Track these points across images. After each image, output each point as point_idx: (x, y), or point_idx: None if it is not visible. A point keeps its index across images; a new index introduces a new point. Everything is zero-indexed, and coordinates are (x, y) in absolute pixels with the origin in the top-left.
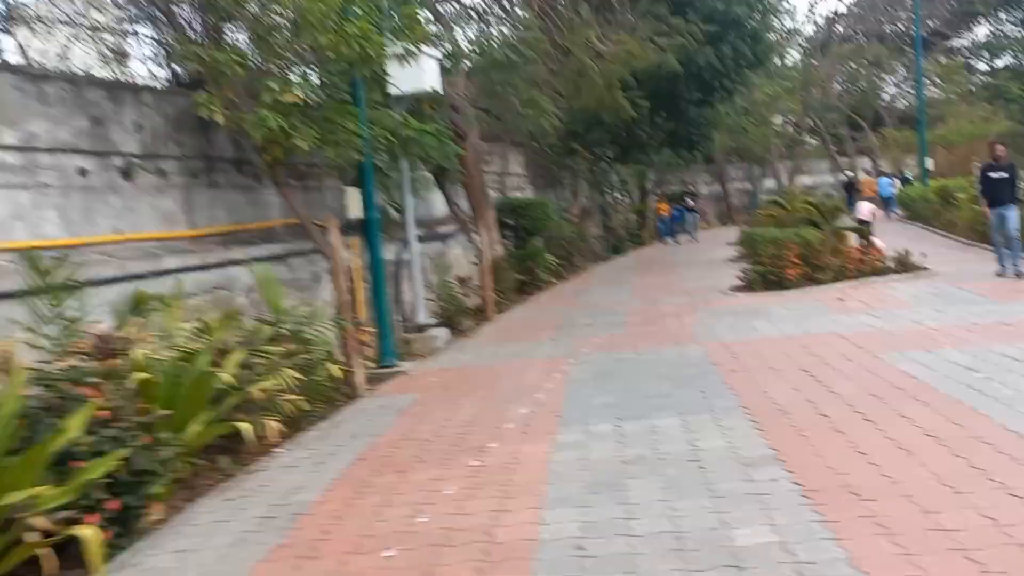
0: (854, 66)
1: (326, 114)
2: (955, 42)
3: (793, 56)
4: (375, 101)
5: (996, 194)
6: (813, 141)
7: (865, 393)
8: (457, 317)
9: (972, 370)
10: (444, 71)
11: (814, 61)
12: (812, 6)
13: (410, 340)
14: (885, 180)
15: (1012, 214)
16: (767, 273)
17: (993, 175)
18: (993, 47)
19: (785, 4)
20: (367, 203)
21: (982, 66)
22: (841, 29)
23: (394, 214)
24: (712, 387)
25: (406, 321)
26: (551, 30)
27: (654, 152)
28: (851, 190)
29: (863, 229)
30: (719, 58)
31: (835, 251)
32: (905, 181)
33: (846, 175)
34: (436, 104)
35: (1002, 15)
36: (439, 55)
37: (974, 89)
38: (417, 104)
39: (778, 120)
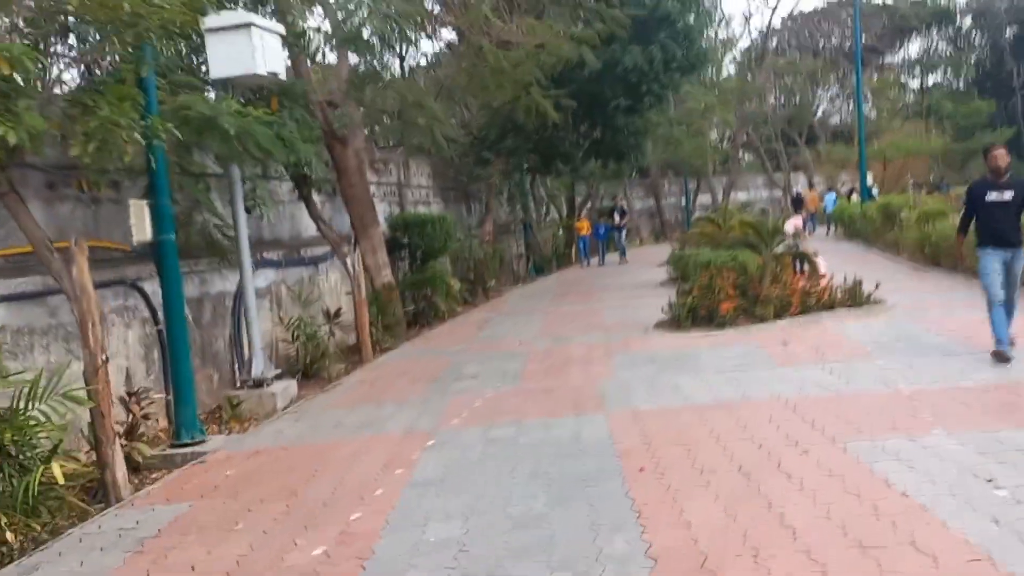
0: (789, 81)
1: (84, 97)
2: (888, 59)
3: (728, 68)
4: (177, 83)
5: (993, 226)
6: (748, 156)
7: (835, 527)
8: (320, 363)
9: (988, 480)
10: (297, 55)
11: (749, 75)
12: (747, 18)
13: (239, 400)
14: (831, 196)
15: (1020, 262)
16: (697, 306)
17: (990, 197)
18: (925, 64)
19: (720, 11)
20: (159, 220)
21: (914, 83)
22: (775, 43)
23: (218, 235)
24: (609, 505)
25: (244, 372)
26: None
27: (579, 162)
28: (799, 205)
29: (807, 254)
30: (648, 60)
31: (776, 280)
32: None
33: (796, 191)
34: (287, 96)
35: (934, 32)
36: (281, 30)
37: (907, 105)
38: (265, 96)
39: (713, 134)
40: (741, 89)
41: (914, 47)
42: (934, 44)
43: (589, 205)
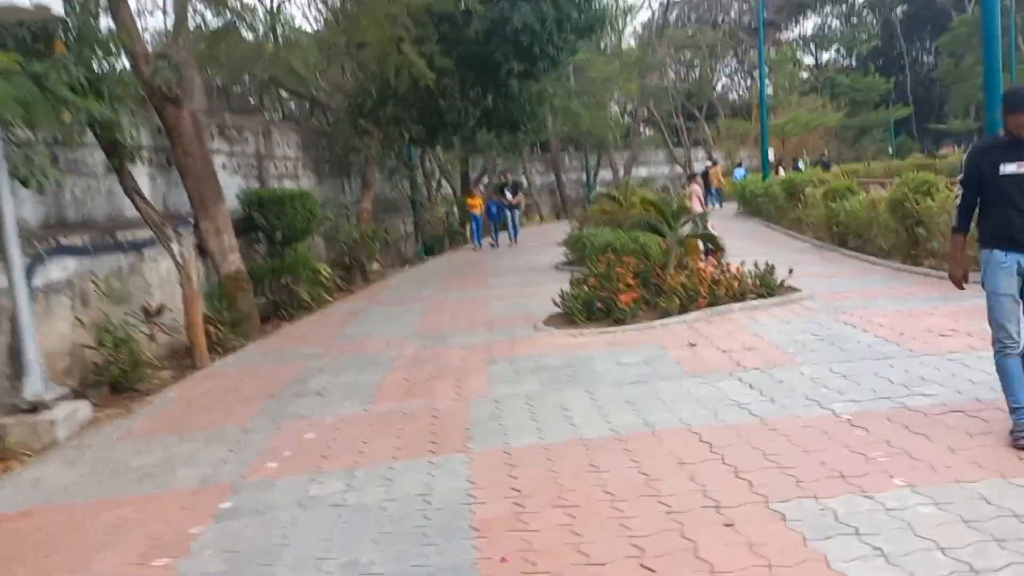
0: (689, 55)
1: None
2: (784, 35)
3: (629, 40)
4: None
5: (1010, 215)
6: (649, 131)
7: None
8: (135, 373)
9: None
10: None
11: (650, 48)
12: None
13: (4, 430)
14: (740, 170)
15: None
16: (593, 299)
17: (1007, 169)
18: (819, 41)
19: None
20: None
21: (808, 59)
22: (675, 16)
23: None
24: None
25: (16, 389)
26: None
27: (469, 133)
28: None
29: (713, 236)
30: (539, 18)
31: (681, 267)
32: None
33: (707, 164)
34: (84, 41)
35: (828, 9)
36: None
37: (803, 81)
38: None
39: (615, 108)
40: (642, 61)
41: (809, 24)
42: (828, 21)
43: (486, 180)
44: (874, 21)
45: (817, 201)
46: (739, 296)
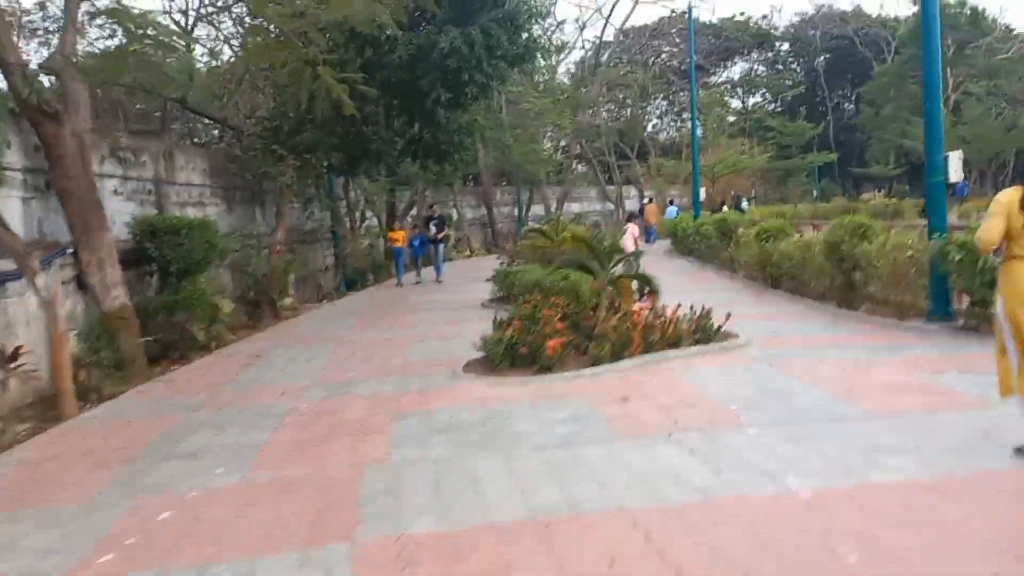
0: (621, 95)
1: None
2: (713, 79)
3: (563, 77)
4: None
5: None
6: (582, 168)
7: None
8: None
9: None
10: None
11: (584, 87)
12: (582, 28)
13: None
14: (672, 209)
15: None
16: (517, 343)
17: None
18: (747, 85)
19: (552, 13)
20: None
21: (736, 103)
22: (607, 57)
23: None
24: None
25: None
26: None
27: (393, 163)
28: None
29: (648, 278)
30: (468, 43)
31: (613, 309)
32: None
33: (644, 201)
34: None
35: (755, 55)
36: None
37: (731, 123)
38: None
39: (548, 143)
40: (575, 97)
41: (736, 69)
42: (755, 67)
43: (414, 212)
44: (798, 68)
45: (750, 241)
46: (675, 342)
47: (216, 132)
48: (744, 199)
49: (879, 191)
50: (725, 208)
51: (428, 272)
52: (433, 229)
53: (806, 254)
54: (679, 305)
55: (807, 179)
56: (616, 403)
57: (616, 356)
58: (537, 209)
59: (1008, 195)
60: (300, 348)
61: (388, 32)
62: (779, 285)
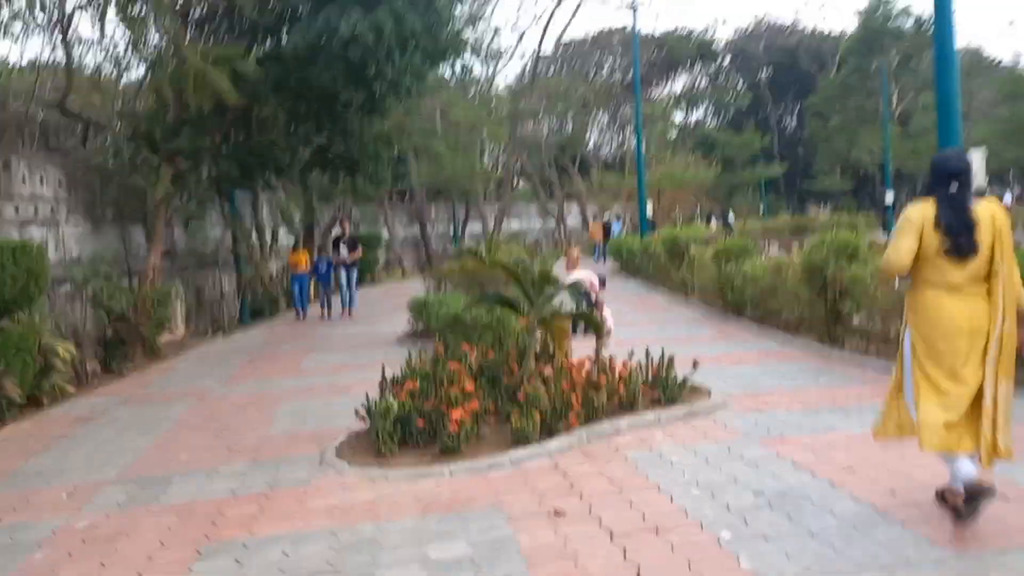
0: (561, 107)
1: None
2: (654, 92)
3: (499, 89)
4: None
5: None
6: (521, 184)
7: None
8: None
9: None
10: None
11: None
12: (520, 37)
13: None
14: (617, 225)
15: None
16: (412, 413)
17: None
18: (690, 99)
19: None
20: None
21: (678, 117)
22: (548, 69)
23: None
24: None
25: None
26: None
27: (295, 174)
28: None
29: (591, 317)
30: (374, 30)
31: (545, 359)
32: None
33: (609, 216)
34: None
35: (697, 69)
36: None
37: (676, 138)
38: None
39: (486, 157)
40: (513, 109)
41: (679, 82)
42: (698, 80)
43: (337, 231)
44: (741, 82)
45: (706, 263)
46: (628, 404)
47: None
48: (731, 212)
49: (824, 206)
50: (714, 222)
51: (337, 302)
52: (343, 251)
53: (776, 278)
54: (631, 354)
55: (754, 195)
56: (544, 522)
57: (549, 430)
58: (475, 227)
59: (920, 211)
60: (147, 408)
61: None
62: (742, 312)
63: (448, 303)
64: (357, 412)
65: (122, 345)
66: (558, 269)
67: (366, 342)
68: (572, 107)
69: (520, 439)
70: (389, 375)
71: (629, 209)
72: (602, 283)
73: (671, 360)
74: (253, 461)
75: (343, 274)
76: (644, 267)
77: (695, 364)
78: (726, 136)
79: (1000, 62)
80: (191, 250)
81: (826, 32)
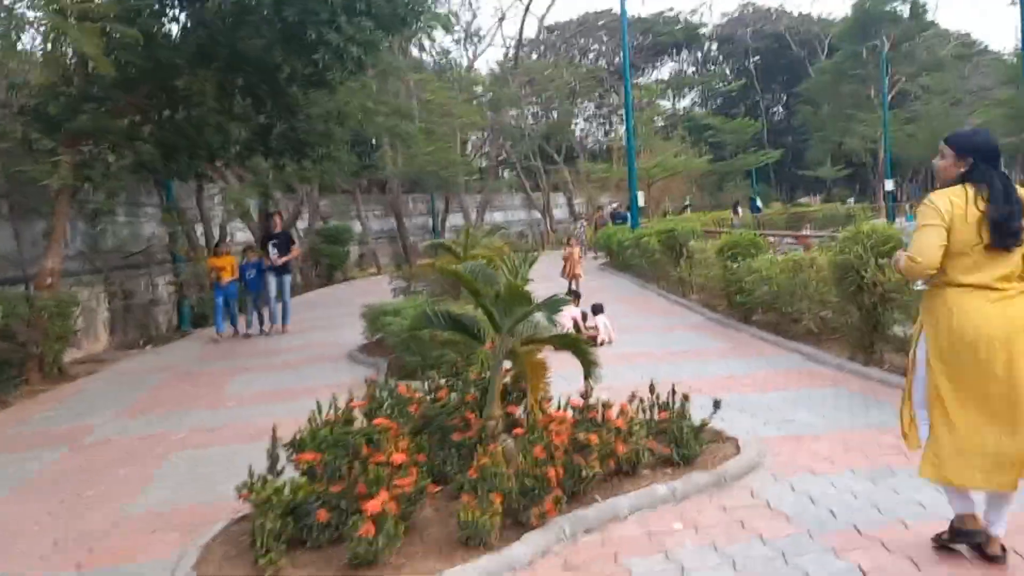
0: (546, 95)
1: None
2: (642, 79)
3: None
4: None
5: None
6: (508, 174)
7: None
8: None
9: None
10: None
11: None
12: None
13: None
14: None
15: None
16: (306, 504)
17: None
18: (679, 84)
19: None
20: None
21: (666, 104)
22: (532, 54)
23: None
24: None
25: None
26: None
27: (231, 158)
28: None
29: (581, 347)
30: None
31: (513, 405)
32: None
33: (611, 207)
34: None
35: (684, 55)
36: None
37: (663, 124)
38: None
39: (468, 147)
40: (495, 94)
41: (666, 69)
42: (685, 67)
43: (304, 224)
44: (729, 69)
45: (708, 259)
46: (628, 469)
47: None
48: (757, 197)
49: (815, 196)
50: (739, 211)
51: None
52: (273, 252)
53: (795, 279)
54: (633, 396)
55: (746, 183)
56: None
57: (515, 521)
58: (455, 219)
59: (946, 199)
60: (1, 458)
61: None
62: (752, 317)
63: (400, 314)
64: (239, 492)
65: (7, 367)
66: (546, 268)
67: (313, 356)
68: (557, 94)
69: (472, 538)
70: (289, 434)
71: (618, 199)
72: (596, 310)
73: (685, 401)
74: (77, 574)
75: (272, 281)
76: (636, 263)
77: (716, 405)
78: (719, 122)
79: (987, 46)
80: (117, 248)
81: (815, 16)
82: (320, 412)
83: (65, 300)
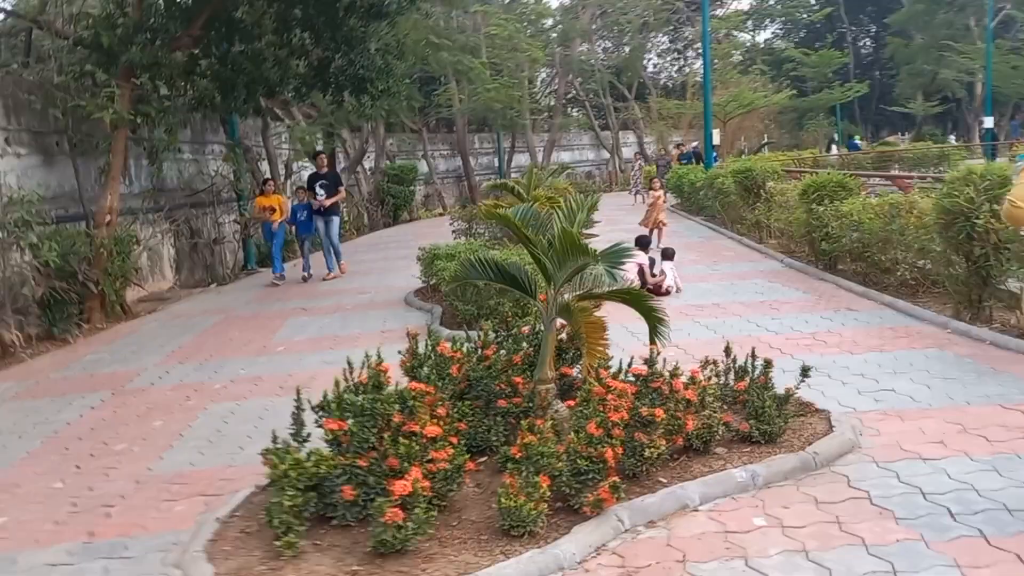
0: (617, 28)
1: None
2: (720, 11)
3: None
4: None
5: None
6: (573, 112)
7: None
8: None
9: None
10: None
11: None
12: None
13: None
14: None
15: None
16: (333, 477)
17: None
18: (760, 15)
19: None
20: None
21: (744, 36)
22: None
23: None
24: None
25: None
26: None
27: (288, 92)
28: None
29: (647, 306)
30: None
31: (569, 361)
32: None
33: (679, 145)
34: None
35: None
36: None
37: (739, 60)
38: None
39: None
40: (564, 27)
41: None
42: None
43: (369, 164)
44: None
45: (789, 202)
46: (699, 445)
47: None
48: (856, 136)
49: (903, 134)
50: (835, 149)
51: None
52: (321, 193)
53: (890, 225)
54: (706, 363)
55: (829, 120)
56: None
57: (567, 508)
58: (521, 159)
59: None
60: (39, 404)
61: None
62: (836, 266)
63: (454, 258)
64: (264, 457)
65: (67, 305)
66: (612, 212)
67: (368, 301)
68: (629, 27)
69: (515, 527)
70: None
71: (688, 141)
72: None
73: (768, 368)
74: (86, 543)
75: (320, 225)
76: (709, 205)
77: (805, 373)
78: (800, 55)
79: None
80: (182, 186)
81: None
82: (351, 370)
83: (124, 238)
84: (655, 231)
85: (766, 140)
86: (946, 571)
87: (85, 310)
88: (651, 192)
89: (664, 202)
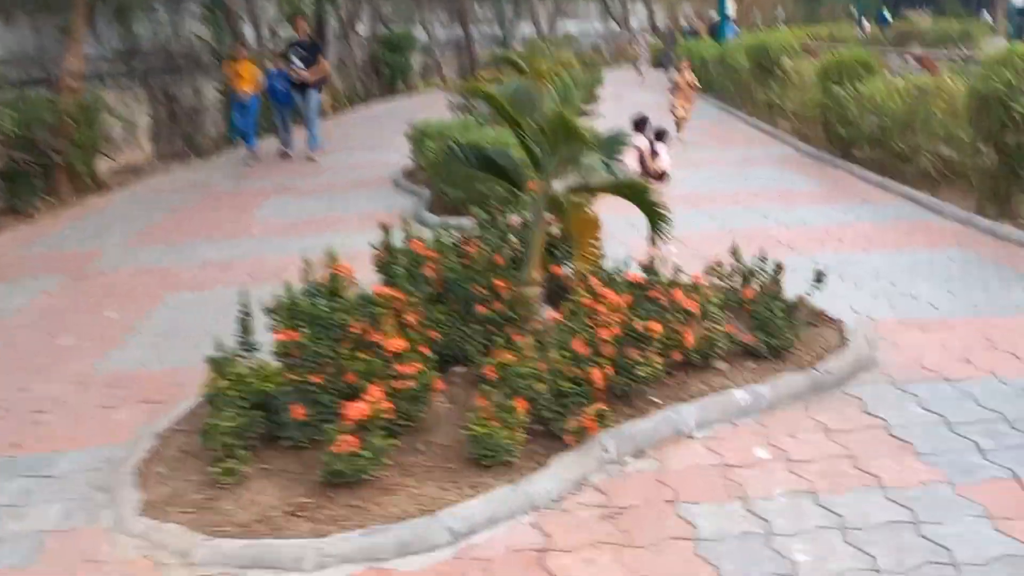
0: None
1: None
2: None
3: None
4: None
5: None
6: None
7: None
8: None
9: None
10: None
11: None
12: None
13: None
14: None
15: None
16: (279, 396)
17: None
18: None
19: None
20: None
21: None
22: None
23: None
24: None
25: None
26: None
27: None
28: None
29: (649, 200)
30: None
31: (543, 273)
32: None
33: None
34: None
35: None
36: None
37: None
38: None
39: None
40: None
41: None
42: None
43: (364, 31)
44: None
45: (805, 82)
46: (698, 359)
47: None
48: (884, 8)
49: (923, 9)
50: (865, 24)
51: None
52: (298, 63)
53: (914, 110)
54: (712, 268)
55: None
56: None
57: (547, 433)
58: (526, 28)
59: None
60: None
61: None
62: (851, 153)
63: (454, 135)
64: (210, 365)
65: (30, 178)
66: (618, 87)
67: (354, 180)
68: None
69: (486, 456)
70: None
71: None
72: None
73: (779, 271)
74: (9, 457)
75: (298, 98)
76: (721, 83)
77: (819, 278)
78: None
79: None
80: (159, 49)
81: None
82: (309, 269)
83: (92, 105)
84: (678, 123)
85: (782, 15)
86: (976, 523)
87: (51, 183)
88: (675, 73)
89: (692, 88)
